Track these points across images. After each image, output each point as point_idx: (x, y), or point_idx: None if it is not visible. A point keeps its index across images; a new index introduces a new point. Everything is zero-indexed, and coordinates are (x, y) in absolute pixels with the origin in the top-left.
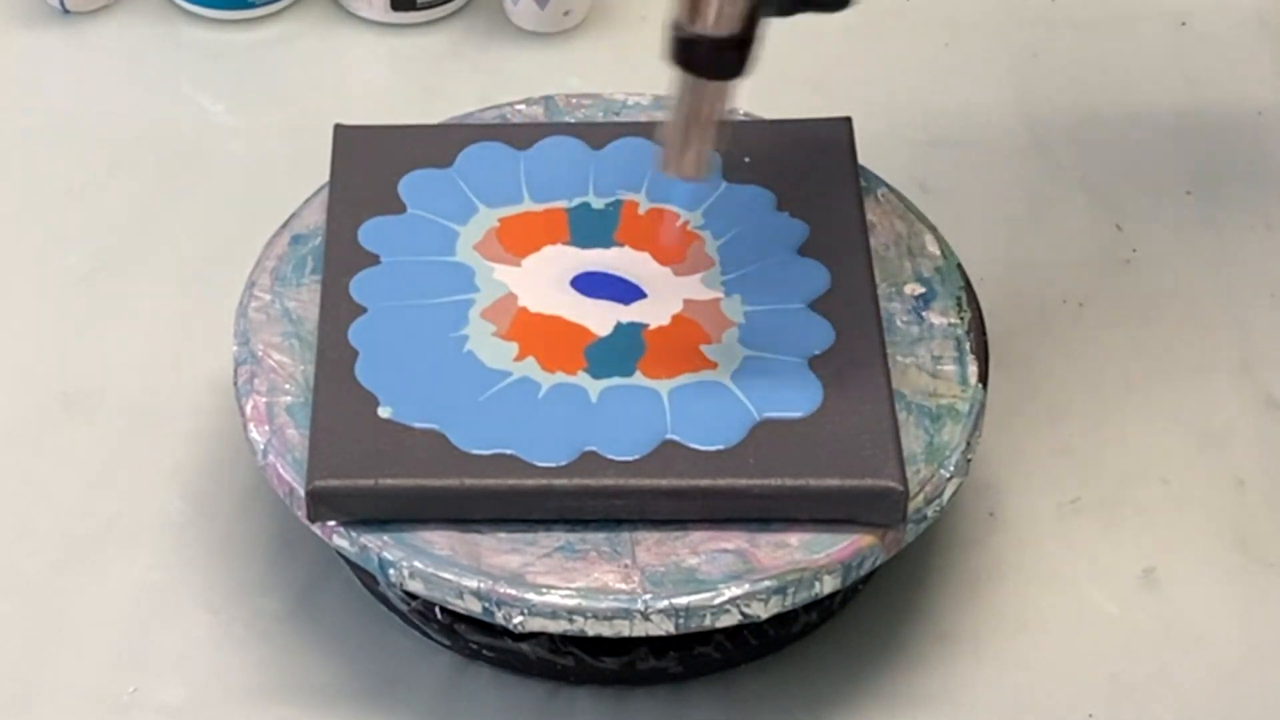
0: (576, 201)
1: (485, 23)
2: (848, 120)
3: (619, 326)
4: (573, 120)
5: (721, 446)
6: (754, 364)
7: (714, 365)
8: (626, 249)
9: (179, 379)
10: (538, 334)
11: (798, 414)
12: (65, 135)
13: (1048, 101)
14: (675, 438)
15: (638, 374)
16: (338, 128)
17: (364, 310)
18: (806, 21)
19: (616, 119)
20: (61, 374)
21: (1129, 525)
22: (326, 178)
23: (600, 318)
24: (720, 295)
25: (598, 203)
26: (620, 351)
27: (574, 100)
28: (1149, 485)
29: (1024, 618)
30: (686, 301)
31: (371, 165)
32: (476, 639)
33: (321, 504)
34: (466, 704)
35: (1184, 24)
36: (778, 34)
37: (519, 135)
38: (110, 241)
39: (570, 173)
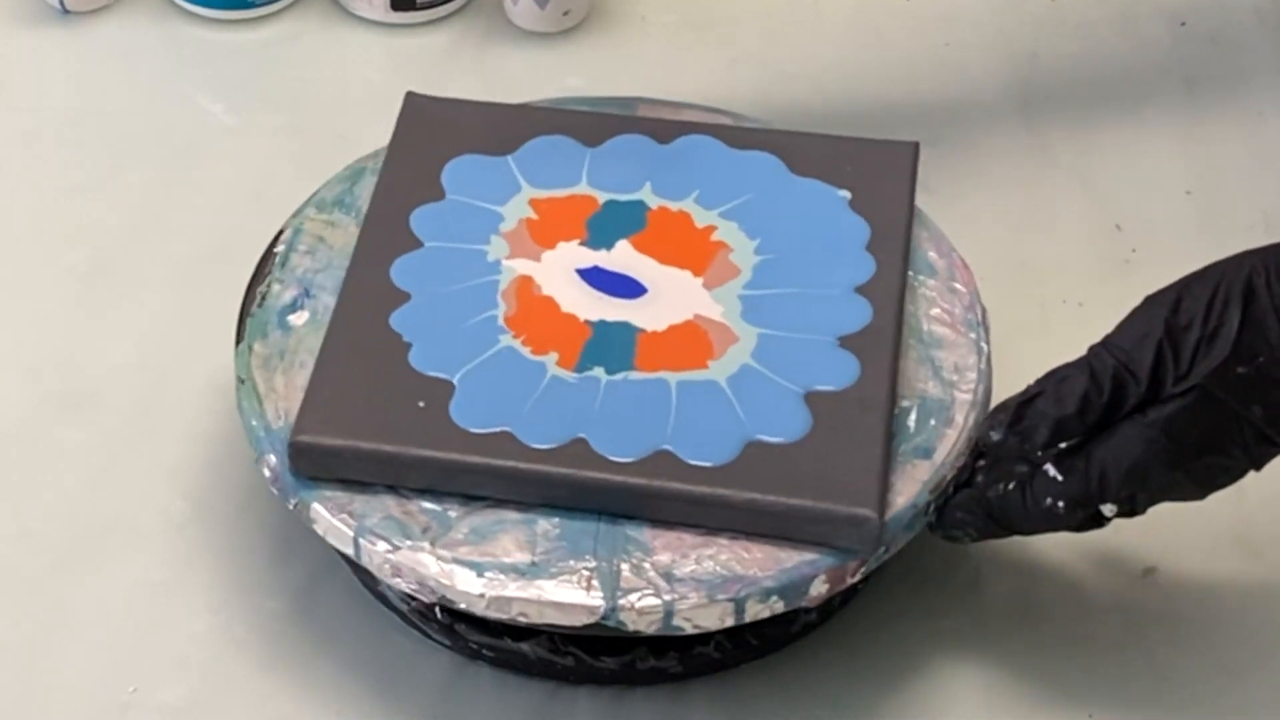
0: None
1: (485, 23)
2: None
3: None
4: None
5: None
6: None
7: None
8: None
9: (179, 379)
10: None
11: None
12: (65, 135)
13: (1048, 101)
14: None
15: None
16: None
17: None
18: (806, 21)
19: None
20: (61, 374)
21: (1129, 525)
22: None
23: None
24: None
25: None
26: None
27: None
28: None
29: (1024, 616)
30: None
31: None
32: (476, 639)
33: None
34: (466, 704)
35: (1184, 24)
36: (778, 33)
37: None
38: (110, 241)
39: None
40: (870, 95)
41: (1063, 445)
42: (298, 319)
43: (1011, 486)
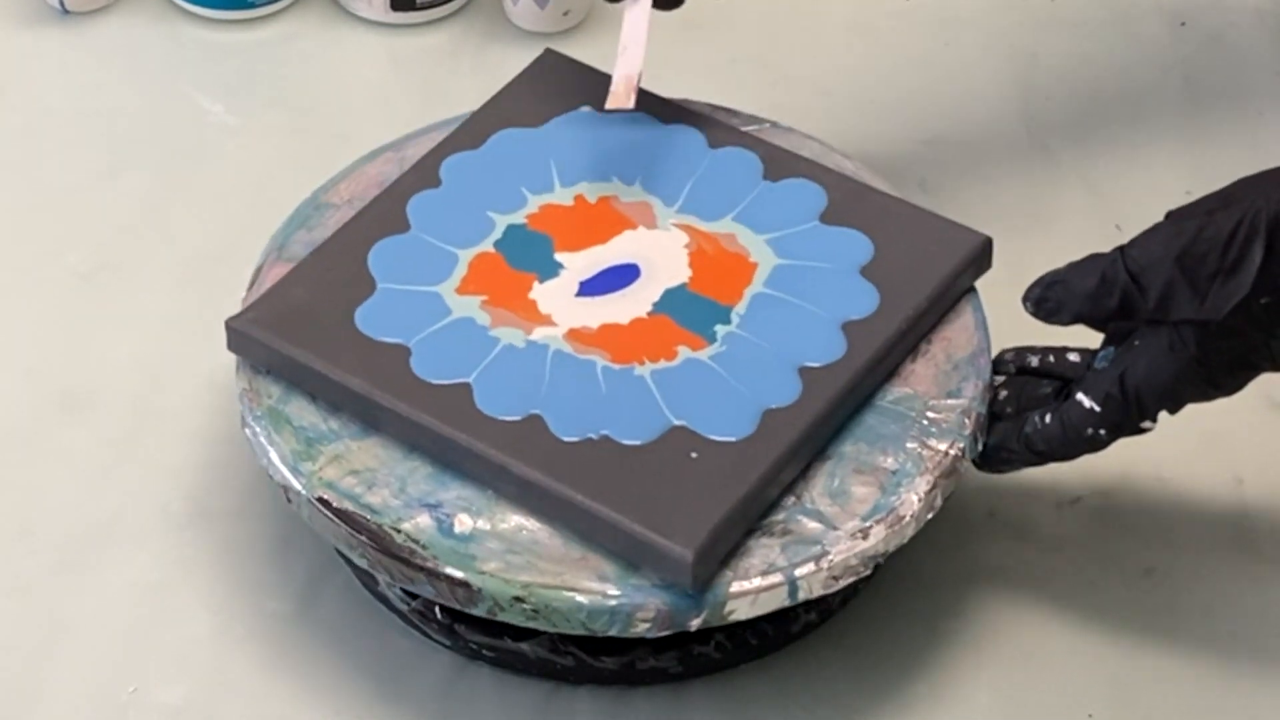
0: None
1: (485, 23)
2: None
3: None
4: None
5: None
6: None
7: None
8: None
9: (179, 379)
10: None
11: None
12: (65, 135)
13: (1048, 101)
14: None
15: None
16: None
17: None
18: (806, 21)
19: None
20: (61, 374)
21: (1129, 525)
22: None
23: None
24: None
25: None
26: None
27: None
28: (1149, 485)
29: (1024, 618)
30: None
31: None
32: (476, 639)
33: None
34: (466, 704)
35: (1184, 24)
36: (778, 33)
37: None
38: (110, 241)
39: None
40: (870, 95)
41: (1096, 362)
42: None
43: (1049, 419)
